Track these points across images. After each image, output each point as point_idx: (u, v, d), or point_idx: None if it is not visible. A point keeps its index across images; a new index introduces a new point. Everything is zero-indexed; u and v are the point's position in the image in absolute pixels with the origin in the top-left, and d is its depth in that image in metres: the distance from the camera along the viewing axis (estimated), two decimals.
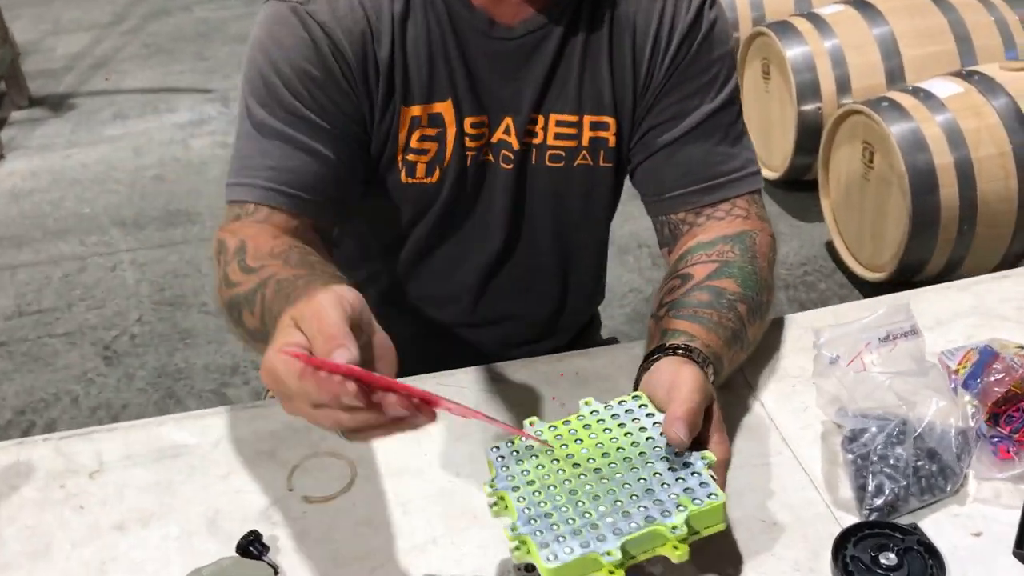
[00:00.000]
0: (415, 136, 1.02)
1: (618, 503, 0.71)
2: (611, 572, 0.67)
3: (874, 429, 0.86)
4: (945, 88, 2.25)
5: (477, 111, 1.02)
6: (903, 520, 0.81)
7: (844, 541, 0.79)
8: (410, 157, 1.03)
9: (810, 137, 2.59)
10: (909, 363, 0.87)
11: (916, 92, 2.27)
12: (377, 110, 1.00)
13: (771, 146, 2.83)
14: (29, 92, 3.72)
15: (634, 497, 0.71)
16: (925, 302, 1.07)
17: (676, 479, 0.73)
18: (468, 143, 1.03)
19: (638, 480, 0.73)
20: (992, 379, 0.87)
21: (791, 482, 0.87)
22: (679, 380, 0.80)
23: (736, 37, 2.99)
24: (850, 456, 0.86)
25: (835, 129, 2.42)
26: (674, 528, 0.69)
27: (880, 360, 0.87)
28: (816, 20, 2.65)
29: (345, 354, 0.61)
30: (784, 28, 2.65)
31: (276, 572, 0.80)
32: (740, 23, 3.00)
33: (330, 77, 0.96)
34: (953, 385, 0.92)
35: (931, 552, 0.77)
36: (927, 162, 2.14)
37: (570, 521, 0.70)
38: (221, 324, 2.48)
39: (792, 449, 0.90)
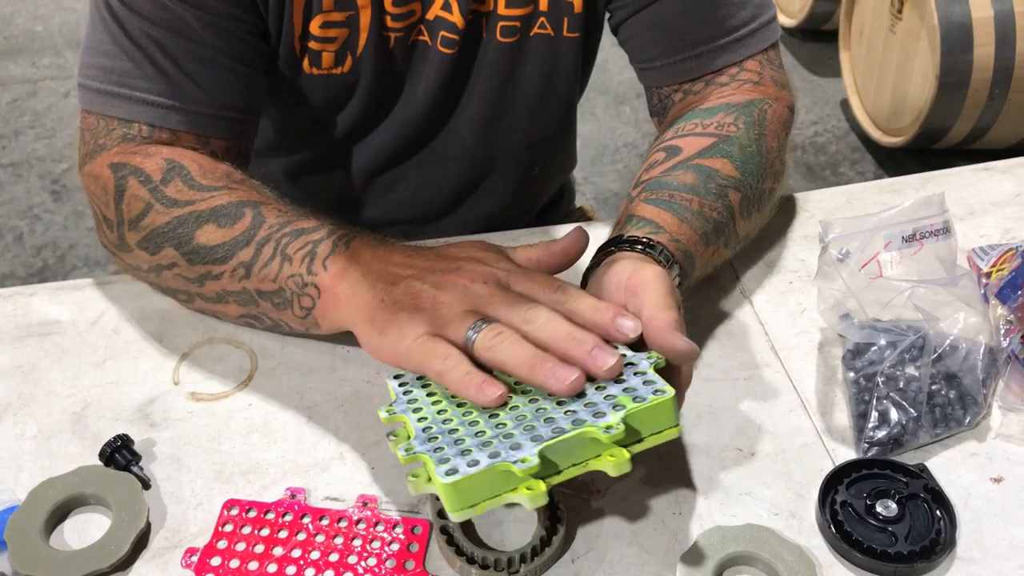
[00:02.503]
0: (316, 21, 0.81)
1: (540, 410, 0.56)
2: (529, 489, 0.52)
3: (883, 343, 0.71)
4: None
5: None
6: (909, 458, 0.67)
7: (835, 482, 0.65)
8: (312, 45, 0.83)
9: None
10: (937, 269, 0.71)
11: None
12: None
13: None
14: None
15: (561, 403, 0.56)
16: (956, 186, 0.90)
17: (615, 381, 0.56)
18: (390, 23, 0.83)
19: None
20: None
21: (777, 403, 0.72)
22: (639, 283, 0.62)
23: None
24: (852, 375, 0.71)
25: None
26: (608, 428, 0.52)
27: (901, 262, 0.70)
28: None
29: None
30: None
31: (147, 486, 0.66)
32: None
33: None
34: (983, 292, 0.75)
35: (940, 501, 0.63)
36: (963, 14, 1.91)
37: (480, 435, 0.55)
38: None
39: (782, 361, 0.75)
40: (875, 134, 2.23)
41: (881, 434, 0.68)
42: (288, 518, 0.65)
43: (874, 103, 2.24)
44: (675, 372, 0.60)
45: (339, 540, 0.63)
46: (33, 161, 2.31)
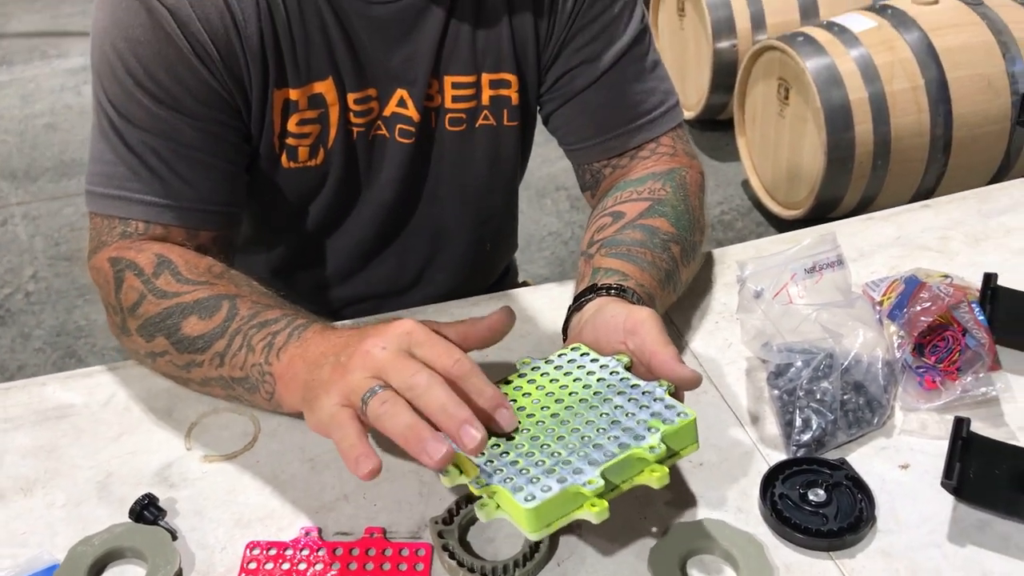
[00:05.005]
0: (293, 120, 0.92)
1: (586, 438, 0.66)
2: (593, 505, 0.62)
3: (800, 363, 0.83)
4: (859, 23, 2.25)
5: (361, 85, 0.93)
6: (831, 455, 0.79)
7: (772, 478, 0.77)
8: (290, 141, 0.94)
9: (726, 75, 2.57)
10: (835, 294, 0.85)
11: (830, 27, 2.25)
12: (253, 97, 0.90)
13: (686, 84, 2.80)
14: None
15: (601, 430, 0.67)
16: (847, 233, 1.05)
17: (640, 407, 0.68)
18: (353, 119, 0.95)
19: (601, 416, 0.68)
20: (919, 308, 0.85)
21: (717, 421, 0.84)
22: (637, 323, 0.73)
23: None
24: (776, 392, 0.83)
25: (750, 66, 2.40)
26: (652, 448, 0.64)
27: (806, 292, 0.84)
28: None
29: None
30: None
31: (174, 537, 0.74)
32: None
33: (192, 73, 0.85)
34: (878, 316, 0.90)
35: (860, 486, 0.75)
36: (842, 97, 2.14)
37: (540, 463, 0.64)
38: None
39: (717, 387, 0.87)
40: (775, 208, 2.43)
41: (806, 437, 0.80)
42: (305, 553, 0.73)
43: (772, 181, 2.45)
44: (677, 397, 0.71)
45: (353, 566, 0.72)
46: None
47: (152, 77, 0.85)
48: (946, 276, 0.92)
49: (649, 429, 0.66)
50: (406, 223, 1.06)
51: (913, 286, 0.87)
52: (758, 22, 2.55)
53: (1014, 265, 0.97)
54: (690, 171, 1.01)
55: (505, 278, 1.28)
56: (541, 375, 0.73)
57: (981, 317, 0.84)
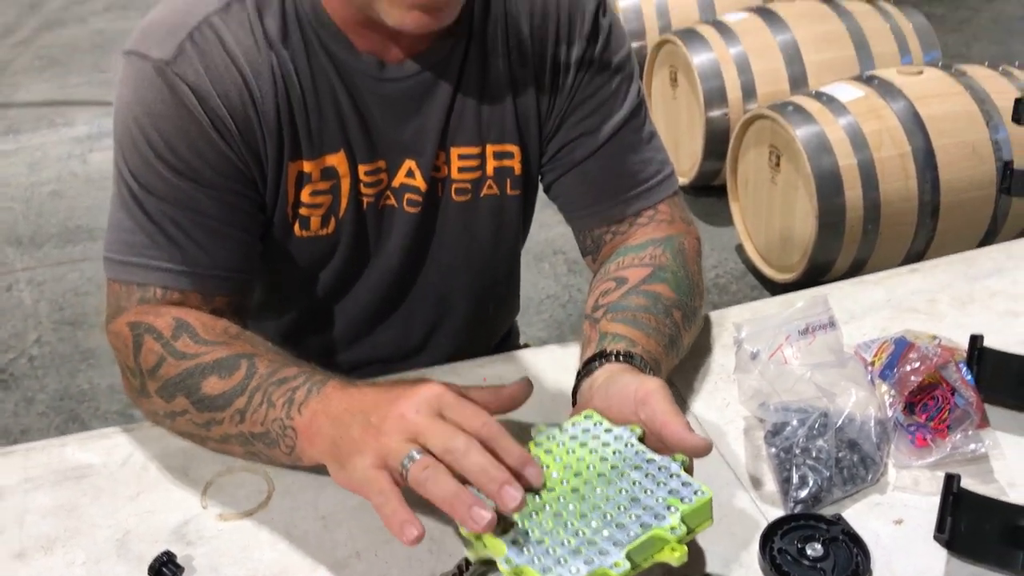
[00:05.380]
0: (306, 191, 0.96)
1: (608, 516, 0.69)
2: None
3: (795, 422, 0.86)
4: (846, 92, 2.32)
5: (372, 157, 0.97)
6: (827, 511, 0.82)
7: (771, 534, 0.79)
8: (303, 211, 0.98)
9: (718, 142, 2.64)
10: (828, 355, 0.88)
11: (819, 96, 2.32)
12: (268, 169, 0.94)
13: (680, 151, 2.87)
14: None
15: (622, 508, 0.70)
16: (839, 296, 1.09)
17: (657, 484, 0.71)
18: (364, 190, 0.99)
19: (620, 492, 0.71)
20: (908, 368, 0.88)
21: (717, 479, 0.87)
22: (647, 394, 0.77)
23: (643, 45, 3.02)
24: (773, 450, 0.86)
25: (742, 134, 2.47)
26: (673, 529, 0.68)
27: (800, 353, 0.88)
28: (721, 27, 2.70)
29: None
30: (690, 35, 2.70)
31: None
32: (647, 31, 3.04)
33: (211, 146, 0.89)
34: (870, 376, 0.93)
35: (856, 541, 0.78)
36: (832, 164, 2.20)
37: (566, 543, 0.67)
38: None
39: (716, 446, 0.90)
40: (769, 272, 2.48)
41: (803, 494, 0.83)
42: None
43: (765, 245, 2.50)
44: (688, 466, 0.75)
45: None
46: None
47: (173, 150, 0.89)
48: (934, 337, 0.95)
49: (668, 507, 0.69)
50: (412, 289, 1.09)
51: (902, 347, 0.90)
52: (749, 91, 2.62)
53: (999, 327, 1.01)
54: (687, 237, 1.05)
55: (507, 340, 1.31)
56: (558, 445, 0.76)
57: (968, 377, 0.88)
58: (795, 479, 0.84)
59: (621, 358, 0.84)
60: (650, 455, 0.74)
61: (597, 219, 1.06)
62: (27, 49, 4.09)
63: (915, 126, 2.22)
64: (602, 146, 1.03)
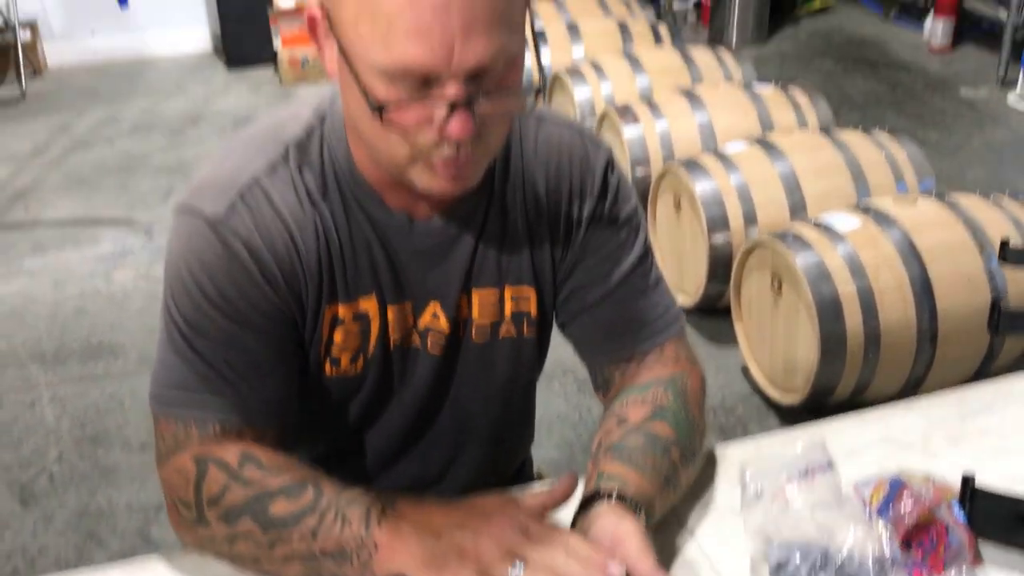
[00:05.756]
0: (338, 332, 1.04)
1: None
2: None
3: (798, 559, 0.92)
4: (844, 222, 2.42)
5: (400, 299, 1.05)
6: None
7: None
8: (334, 352, 1.05)
9: (722, 266, 2.73)
10: (827, 495, 0.94)
11: (818, 225, 2.43)
12: (308, 312, 1.02)
13: (684, 274, 2.96)
14: None
15: None
16: (838, 432, 1.15)
17: None
18: (391, 331, 1.07)
19: None
20: (903, 509, 0.94)
21: None
22: (622, 535, 0.87)
23: (648, 172, 3.15)
24: None
25: (744, 260, 2.56)
26: None
27: (801, 493, 0.94)
28: (722, 158, 2.82)
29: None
30: (693, 165, 2.82)
31: None
32: (651, 160, 3.17)
33: (260, 293, 0.97)
34: (868, 513, 0.99)
35: None
36: (831, 291, 2.28)
37: None
38: (145, 461, 2.44)
39: None
40: (775, 394, 2.54)
41: None
42: None
43: (770, 367, 2.57)
44: None
45: None
46: (0, 470, 2.42)
47: (224, 296, 0.97)
48: (928, 477, 1.01)
49: None
50: (432, 424, 1.16)
51: (897, 488, 0.96)
52: (750, 218, 2.73)
53: (990, 465, 1.07)
54: (691, 377, 1.12)
55: (522, 470, 1.37)
56: None
57: (960, 516, 0.93)
58: None
59: (613, 498, 0.90)
60: None
61: (607, 358, 1.14)
62: (57, 169, 4.25)
63: (911, 255, 2.31)
64: (612, 291, 1.11)
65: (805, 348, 2.35)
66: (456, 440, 1.18)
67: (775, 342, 2.51)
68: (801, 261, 2.32)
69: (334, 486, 0.92)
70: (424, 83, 0.85)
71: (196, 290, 0.97)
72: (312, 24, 0.91)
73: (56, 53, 5.55)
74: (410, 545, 0.85)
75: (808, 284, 2.28)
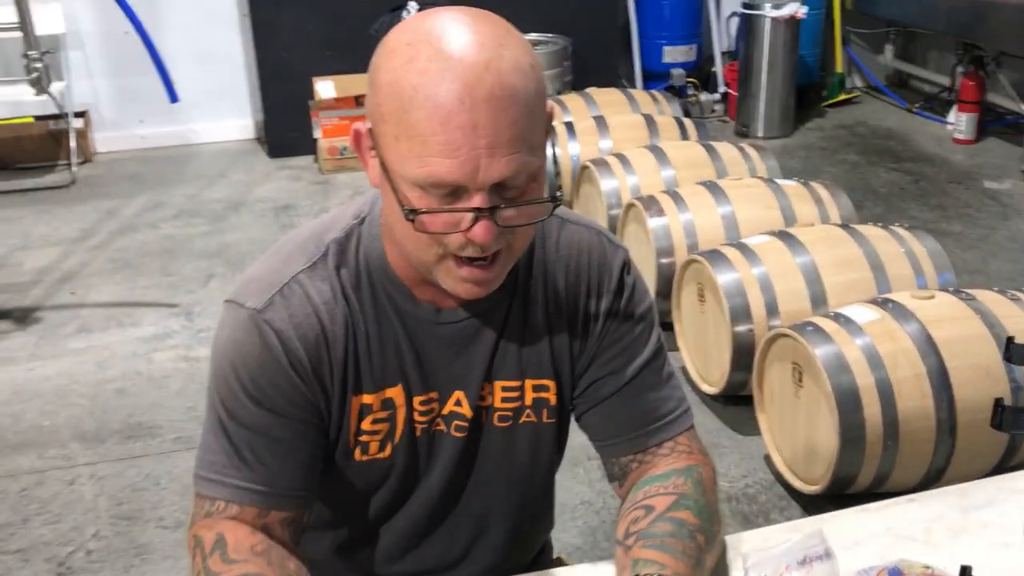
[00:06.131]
0: (367, 420, 1.12)
1: None
2: None
3: None
4: (863, 314, 2.48)
5: (426, 389, 1.14)
6: None
7: None
8: (363, 438, 1.13)
9: (745, 355, 2.79)
10: None
11: (837, 317, 2.49)
12: (334, 402, 1.10)
13: (708, 362, 3.02)
14: None
15: None
16: (843, 524, 1.20)
17: None
18: (418, 417, 1.14)
19: None
20: None
21: None
22: None
23: (672, 262, 3.24)
24: None
25: (766, 350, 2.62)
26: None
27: None
28: (744, 249, 2.91)
29: None
30: (716, 256, 2.90)
31: None
32: (675, 250, 3.26)
33: (287, 379, 1.06)
34: None
35: None
36: (851, 382, 2.33)
37: None
38: (178, 539, 2.51)
39: None
40: (796, 483, 2.56)
41: None
42: None
43: (791, 456, 2.60)
44: None
45: None
46: (40, 546, 2.50)
47: (255, 383, 1.06)
48: (927, 567, 1.06)
49: None
50: (455, 507, 1.23)
51: None
52: (772, 309, 2.79)
53: (988, 557, 1.11)
54: (705, 468, 1.18)
55: (542, 555, 1.43)
56: None
57: None
58: None
59: None
60: None
61: (622, 448, 1.20)
62: (102, 252, 4.41)
63: (928, 348, 2.36)
64: (626, 384, 1.19)
65: (825, 437, 2.39)
66: (478, 523, 1.24)
67: (796, 431, 2.55)
68: (820, 352, 2.37)
69: None
70: (453, 193, 0.95)
71: (233, 377, 1.07)
72: (357, 139, 1.02)
73: (105, 141, 5.81)
74: None
75: (828, 375, 2.33)
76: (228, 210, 4.86)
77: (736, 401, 2.98)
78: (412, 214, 0.96)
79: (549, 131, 1.02)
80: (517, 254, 1.07)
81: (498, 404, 1.18)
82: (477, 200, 0.95)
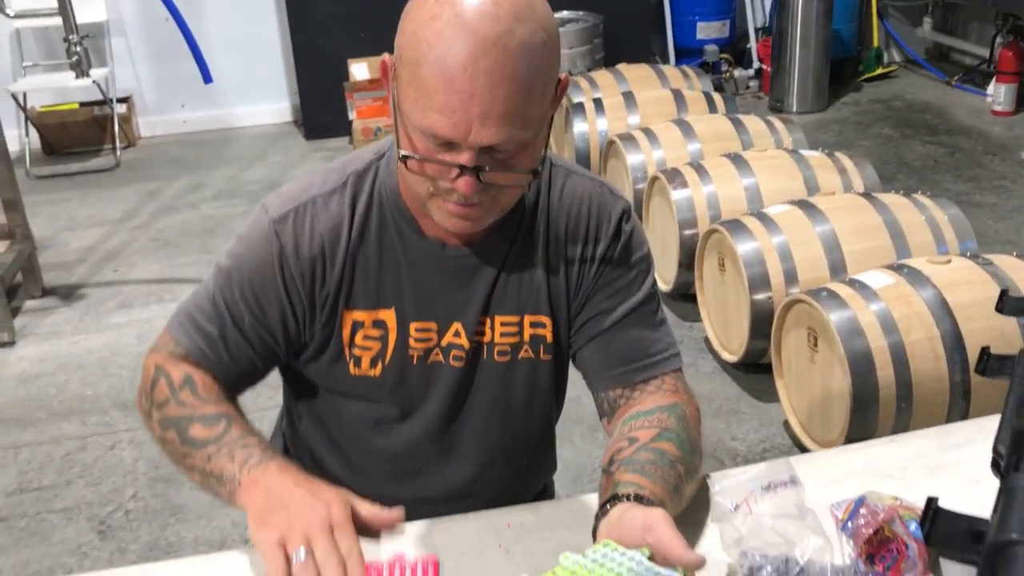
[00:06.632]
0: (359, 335, 1.22)
1: None
2: None
3: (769, 568, 1.02)
4: (878, 280, 2.50)
5: (425, 318, 1.22)
6: None
7: None
8: (356, 352, 1.22)
9: (764, 323, 2.81)
10: (791, 508, 1.04)
11: (852, 283, 2.51)
12: (321, 315, 1.20)
13: (729, 331, 3.05)
14: (43, 283, 3.97)
15: None
16: (822, 462, 1.25)
17: None
18: (413, 344, 1.22)
19: None
20: (861, 522, 1.03)
21: None
22: (653, 521, 0.98)
23: (695, 233, 3.27)
24: None
25: (783, 316, 2.65)
26: None
27: (764, 505, 1.04)
28: (765, 219, 2.93)
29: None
30: (736, 226, 2.93)
31: None
32: (699, 221, 3.29)
33: (275, 293, 1.19)
34: (839, 530, 1.08)
35: None
36: (864, 345, 2.35)
37: None
38: (211, 500, 2.60)
39: None
40: (812, 447, 2.59)
41: None
42: None
43: (808, 421, 2.63)
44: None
45: None
46: (82, 506, 2.62)
47: (250, 282, 1.19)
48: (896, 498, 1.10)
49: None
50: (454, 438, 1.29)
51: (858, 505, 1.06)
52: (791, 278, 2.82)
53: (962, 493, 1.15)
54: (689, 407, 1.23)
55: (542, 496, 1.49)
56: (581, 567, 0.94)
57: (913, 528, 1.03)
58: None
59: (632, 499, 1.02)
60: (658, 570, 0.92)
61: (610, 383, 1.26)
62: (144, 232, 4.55)
63: (943, 312, 2.38)
64: (618, 322, 1.25)
65: (840, 401, 2.42)
66: (478, 456, 1.31)
67: (813, 396, 2.58)
68: (835, 317, 2.40)
69: (241, 428, 1.14)
70: (447, 145, 1.03)
71: (237, 264, 1.20)
72: (384, 69, 1.12)
73: (148, 125, 5.96)
74: (256, 495, 1.06)
75: (841, 339, 2.36)
76: (266, 191, 4.96)
77: (756, 369, 3.01)
78: (404, 159, 1.06)
79: (558, 103, 1.10)
80: (503, 206, 1.13)
81: (497, 339, 1.24)
82: (465, 157, 1.03)
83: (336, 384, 1.25)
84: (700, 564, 0.94)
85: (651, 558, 0.95)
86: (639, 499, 1.03)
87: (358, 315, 1.21)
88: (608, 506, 1.04)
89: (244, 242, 1.21)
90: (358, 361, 1.23)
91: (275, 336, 1.21)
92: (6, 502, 2.66)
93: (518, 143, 1.05)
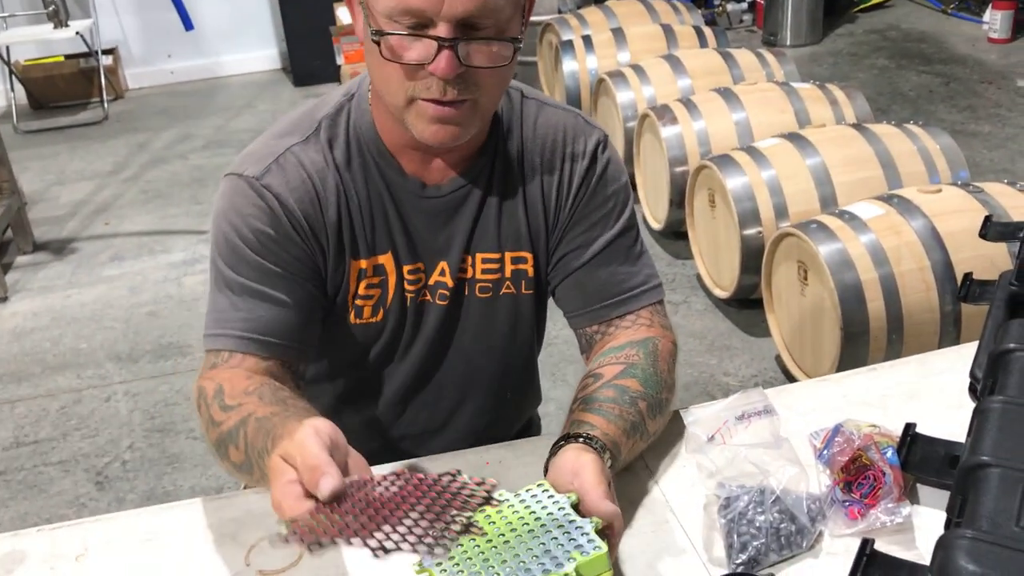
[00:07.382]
0: (363, 284, 1.19)
1: (521, 563, 0.86)
2: None
3: (745, 497, 1.02)
4: (868, 210, 2.48)
5: (414, 259, 1.20)
6: (765, 572, 0.96)
7: None
8: (358, 302, 1.20)
9: (754, 259, 2.80)
10: (766, 437, 1.04)
11: (842, 215, 2.49)
12: (330, 263, 1.17)
13: (720, 267, 3.04)
14: (34, 238, 3.95)
15: (535, 557, 0.86)
16: (802, 392, 1.24)
17: (569, 540, 0.88)
18: (407, 286, 1.21)
19: (539, 544, 0.88)
20: (836, 450, 1.03)
21: (674, 545, 1.02)
22: (580, 466, 0.96)
23: (685, 170, 3.24)
24: (723, 521, 1.01)
25: (773, 251, 2.64)
26: (567, 575, 0.84)
27: (738, 434, 1.04)
28: (754, 153, 2.90)
29: (330, 481, 0.80)
30: (725, 161, 2.90)
31: None
32: (689, 158, 3.25)
33: (286, 236, 1.13)
34: (817, 459, 1.08)
35: None
36: (854, 278, 2.34)
37: None
38: (207, 449, 2.62)
39: (678, 518, 1.06)
40: (804, 381, 2.59)
41: (743, 557, 0.98)
42: None
43: (800, 355, 2.63)
44: (611, 530, 0.92)
45: None
46: (79, 458, 2.64)
47: (259, 239, 1.12)
48: (874, 426, 1.10)
49: (569, 559, 0.86)
50: (439, 371, 1.29)
51: (835, 433, 1.05)
52: (781, 212, 2.80)
53: (941, 419, 1.14)
54: (663, 340, 1.22)
55: (527, 431, 1.49)
56: (508, 506, 0.94)
57: (889, 455, 1.02)
58: (736, 544, 0.99)
59: (581, 440, 1.01)
60: (573, 516, 0.90)
61: (587, 319, 1.25)
62: (135, 184, 4.52)
63: (934, 241, 2.36)
64: (594, 257, 1.23)
65: (830, 334, 2.41)
66: (462, 390, 1.31)
67: (804, 330, 2.58)
68: (824, 250, 2.38)
69: (254, 428, 1.00)
70: (420, 25, 1.00)
71: (235, 236, 1.13)
72: None
73: (135, 77, 5.89)
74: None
75: (831, 271, 2.35)
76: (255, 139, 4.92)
77: (748, 304, 3.01)
78: (377, 35, 1.01)
79: None
80: (484, 111, 1.10)
81: (479, 276, 1.23)
82: (441, 31, 0.99)
83: (336, 336, 1.23)
84: (613, 515, 0.92)
85: (576, 505, 0.93)
86: (588, 439, 1.02)
87: (362, 263, 1.18)
88: (559, 445, 1.04)
89: (231, 214, 1.13)
90: (360, 311, 1.21)
91: (306, 273, 1.15)
92: (3, 456, 2.68)
93: (495, 16, 1.01)
